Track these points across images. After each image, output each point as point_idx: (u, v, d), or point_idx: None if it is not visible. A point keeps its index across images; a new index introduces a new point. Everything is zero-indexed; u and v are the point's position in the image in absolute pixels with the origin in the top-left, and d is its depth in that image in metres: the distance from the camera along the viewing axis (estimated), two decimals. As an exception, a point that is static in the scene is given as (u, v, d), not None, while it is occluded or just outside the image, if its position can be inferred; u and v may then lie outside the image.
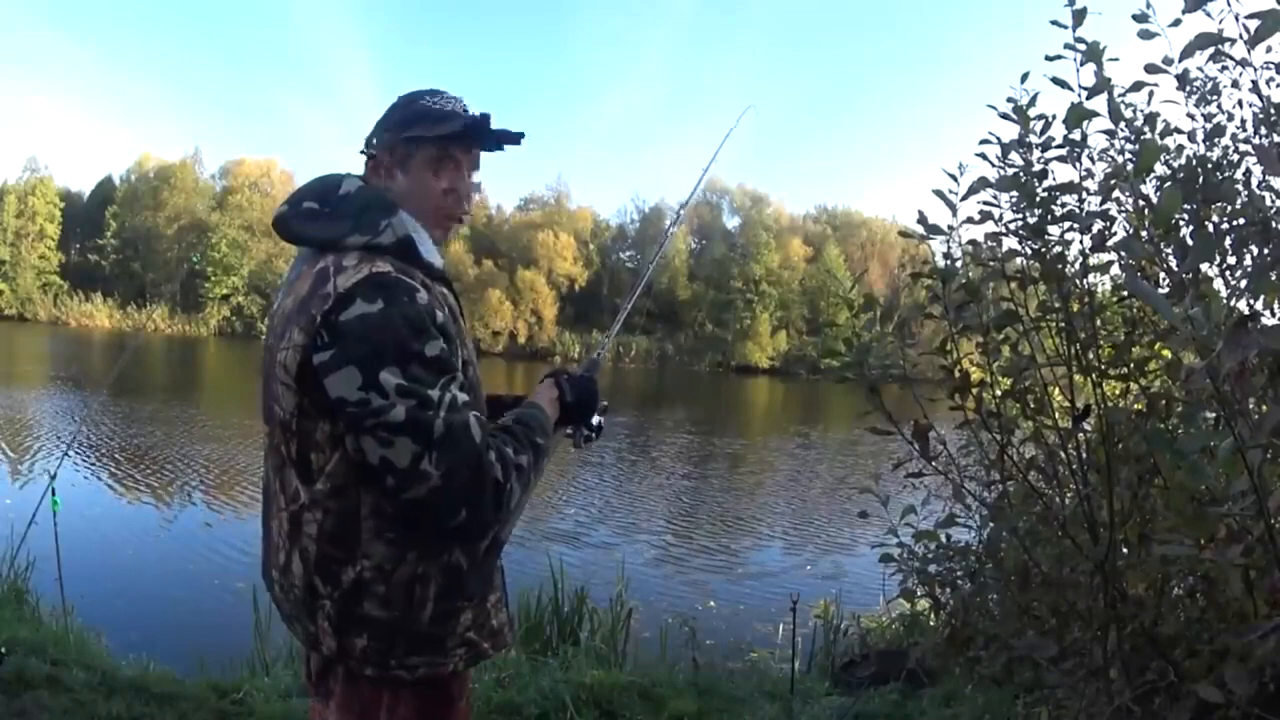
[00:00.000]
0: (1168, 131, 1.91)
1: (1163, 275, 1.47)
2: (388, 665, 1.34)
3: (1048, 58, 1.55)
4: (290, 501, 1.35)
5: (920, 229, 1.77)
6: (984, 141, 1.72)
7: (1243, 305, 1.30)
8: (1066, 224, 1.61)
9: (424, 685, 1.39)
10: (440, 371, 1.26)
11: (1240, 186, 1.82)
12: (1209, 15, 1.41)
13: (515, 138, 1.45)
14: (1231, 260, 1.72)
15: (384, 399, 1.21)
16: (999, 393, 1.75)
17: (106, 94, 63.51)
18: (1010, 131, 1.70)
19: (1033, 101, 1.67)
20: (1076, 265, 1.64)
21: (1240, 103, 1.95)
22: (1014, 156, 1.69)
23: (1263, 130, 1.83)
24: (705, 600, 6.90)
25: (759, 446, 18.05)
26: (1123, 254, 1.52)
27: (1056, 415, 1.74)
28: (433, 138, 1.40)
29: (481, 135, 1.43)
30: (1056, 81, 1.56)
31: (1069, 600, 1.71)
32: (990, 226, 1.71)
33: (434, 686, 1.40)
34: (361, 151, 1.46)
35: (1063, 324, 1.65)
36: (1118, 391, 1.77)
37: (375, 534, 1.31)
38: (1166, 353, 1.62)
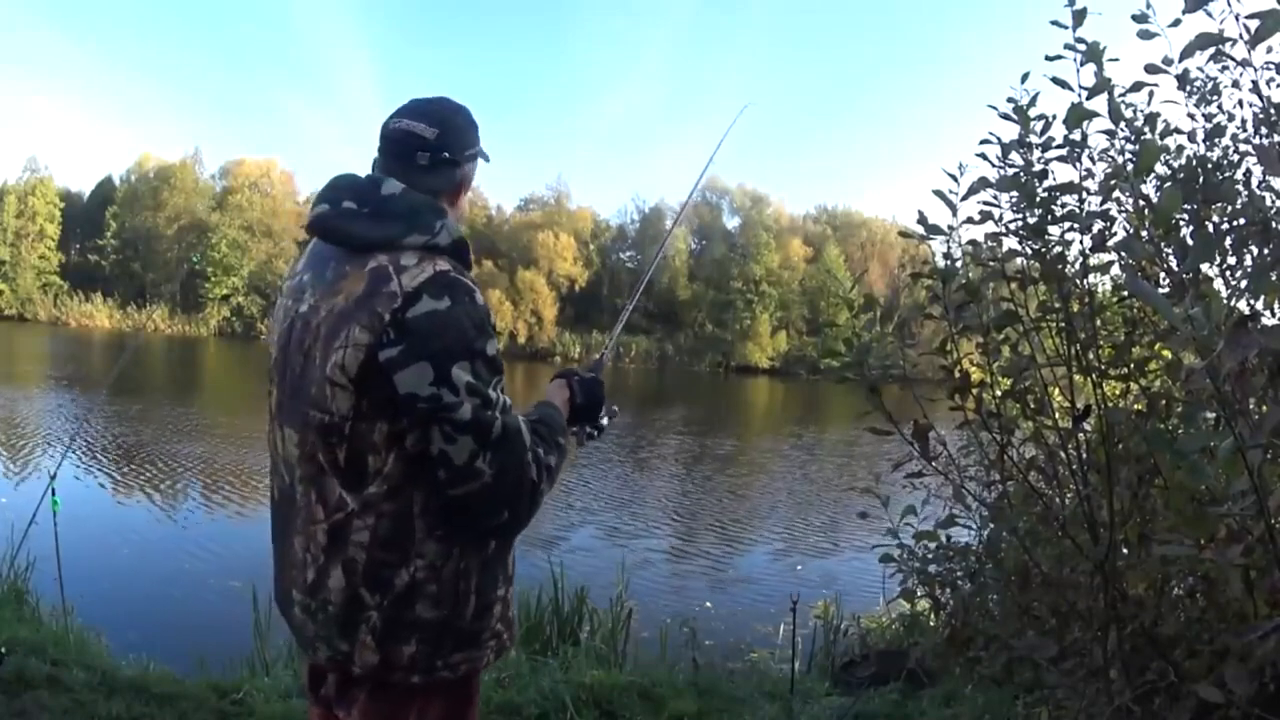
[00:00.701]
0: (1168, 131, 1.91)
1: (1163, 275, 1.47)
2: (433, 668, 1.35)
3: (1048, 58, 1.55)
4: (332, 512, 1.31)
5: (920, 229, 1.77)
6: (984, 141, 1.72)
7: (1243, 305, 1.30)
8: (1066, 224, 1.61)
9: (454, 685, 1.39)
10: (496, 371, 1.30)
11: (1240, 186, 1.82)
12: (1209, 15, 1.41)
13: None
14: (1231, 260, 1.72)
15: (455, 396, 1.23)
16: (999, 393, 1.75)
17: (106, 94, 63.30)
18: (1010, 131, 1.70)
19: (1033, 101, 1.67)
20: (1076, 265, 1.64)
21: (1240, 103, 1.95)
22: (1014, 157, 1.69)
23: (1263, 130, 1.83)
24: (705, 600, 6.90)
25: (758, 447, 18.05)
26: (1123, 254, 1.52)
27: (1056, 415, 1.74)
28: (480, 154, 1.49)
29: None
30: (1056, 81, 1.56)
31: (1069, 600, 1.72)
32: (990, 226, 1.72)
33: (461, 685, 1.42)
34: (433, 155, 1.39)
35: (1063, 324, 1.65)
36: (1118, 391, 1.77)
37: (428, 532, 1.31)
38: (1166, 353, 1.63)
